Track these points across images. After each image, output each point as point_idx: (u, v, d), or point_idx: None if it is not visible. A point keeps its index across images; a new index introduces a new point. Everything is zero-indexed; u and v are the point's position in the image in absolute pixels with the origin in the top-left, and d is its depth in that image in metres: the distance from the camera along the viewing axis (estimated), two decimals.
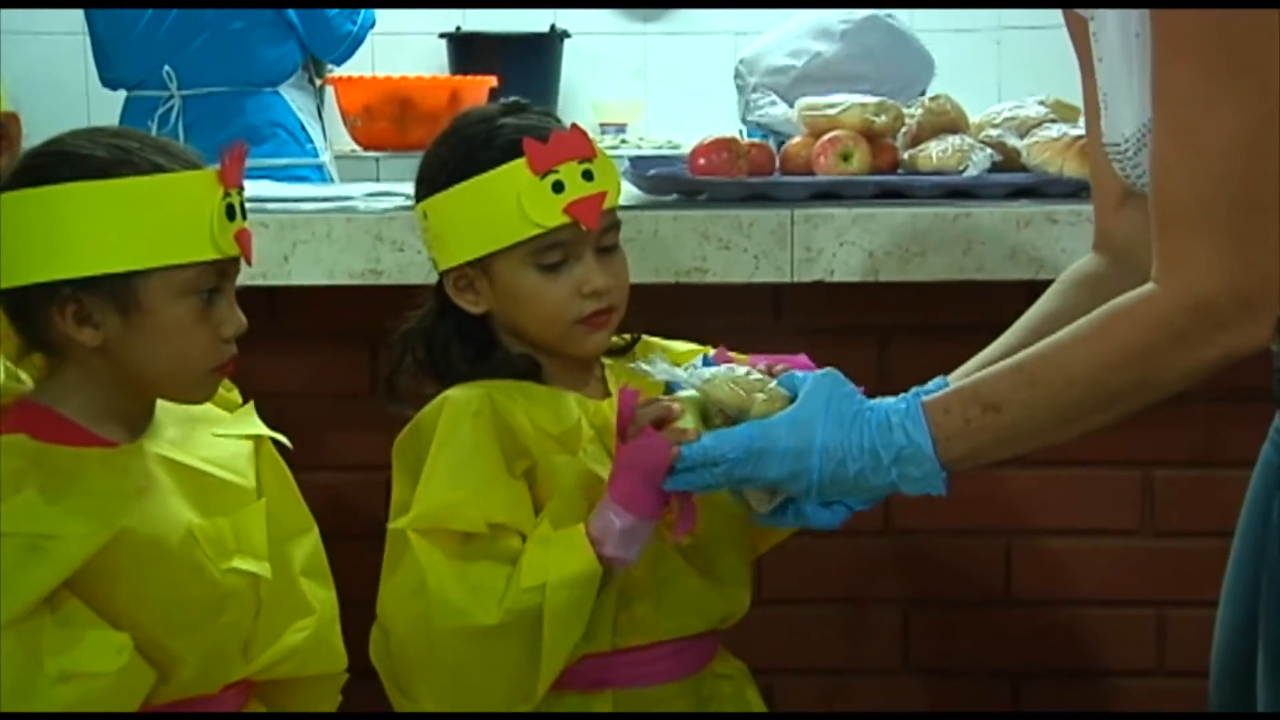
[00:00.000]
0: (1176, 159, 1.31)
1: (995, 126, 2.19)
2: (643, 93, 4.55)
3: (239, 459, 1.60)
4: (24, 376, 1.56)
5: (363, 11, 3.62)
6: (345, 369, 2.13)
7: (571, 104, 4.49)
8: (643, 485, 1.50)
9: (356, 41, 3.61)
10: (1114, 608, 2.16)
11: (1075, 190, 2.05)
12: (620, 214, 1.67)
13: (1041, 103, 2.20)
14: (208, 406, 1.60)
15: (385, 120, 4.17)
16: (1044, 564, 2.16)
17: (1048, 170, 2.08)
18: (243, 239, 1.50)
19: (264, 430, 1.64)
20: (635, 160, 2.33)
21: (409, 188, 2.29)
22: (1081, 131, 2.07)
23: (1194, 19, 1.28)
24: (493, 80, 4.24)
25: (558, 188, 1.59)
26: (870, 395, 1.47)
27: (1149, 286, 1.36)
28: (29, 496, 1.42)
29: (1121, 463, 2.12)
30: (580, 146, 1.61)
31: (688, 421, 1.50)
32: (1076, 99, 2.25)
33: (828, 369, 1.49)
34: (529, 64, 4.36)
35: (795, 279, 1.97)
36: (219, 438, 1.60)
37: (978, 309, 2.09)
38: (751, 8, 3.22)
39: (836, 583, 2.17)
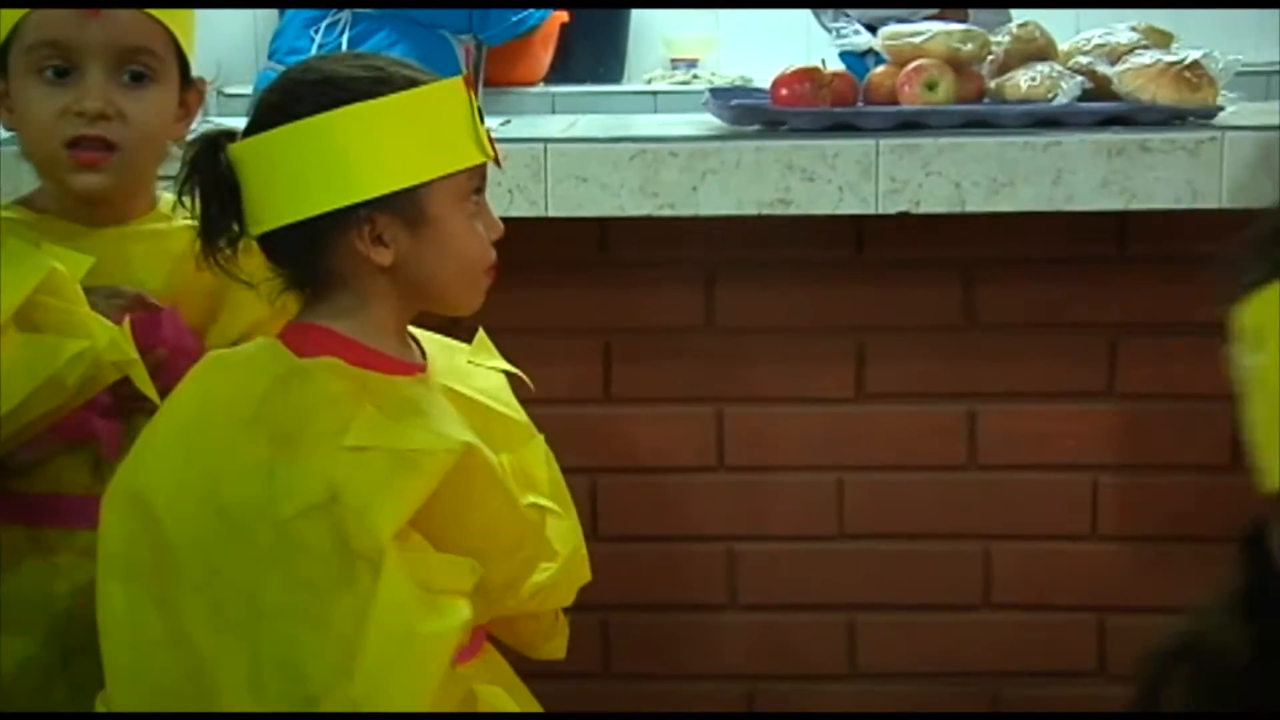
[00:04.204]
0: None
1: (1085, 53, 2.14)
2: (715, 28, 4.50)
3: (504, 390, 1.61)
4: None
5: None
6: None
7: (643, 39, 4.45)
8: None
9: (516, 29, 3.56)
10: (1198, 544, 2.13)
11: (1168, 118, 2.00)
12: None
13: (1133, 28, 2.15)
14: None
15: None
16: (1132, 499, 2.13)
17: (1140, 98, 2.03)
18: (491, 140, 1.50)
19: (504, 364, 1.64)
20: (716, 91, 2.30)
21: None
22: (1175, 57, 2.02)
23: None
24: (564, 15, 4.21)
25: None
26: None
27: None
28: (374, 413, 1.40)
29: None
30: None
31: None
32: (1161, 24, 2.21)
33: None
34: None
35: (880, 210, 1.94)
36: (476, 367, 1.59)
37: (1067, 241, 2.06)
38: (799, 7, 3.19)
39: (919, 518, 2.15)
